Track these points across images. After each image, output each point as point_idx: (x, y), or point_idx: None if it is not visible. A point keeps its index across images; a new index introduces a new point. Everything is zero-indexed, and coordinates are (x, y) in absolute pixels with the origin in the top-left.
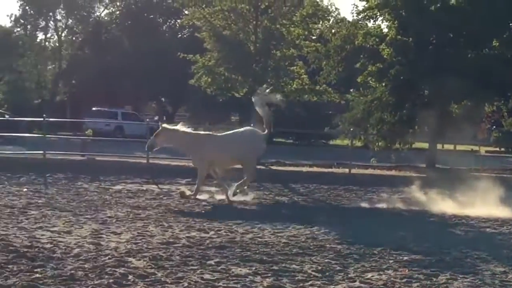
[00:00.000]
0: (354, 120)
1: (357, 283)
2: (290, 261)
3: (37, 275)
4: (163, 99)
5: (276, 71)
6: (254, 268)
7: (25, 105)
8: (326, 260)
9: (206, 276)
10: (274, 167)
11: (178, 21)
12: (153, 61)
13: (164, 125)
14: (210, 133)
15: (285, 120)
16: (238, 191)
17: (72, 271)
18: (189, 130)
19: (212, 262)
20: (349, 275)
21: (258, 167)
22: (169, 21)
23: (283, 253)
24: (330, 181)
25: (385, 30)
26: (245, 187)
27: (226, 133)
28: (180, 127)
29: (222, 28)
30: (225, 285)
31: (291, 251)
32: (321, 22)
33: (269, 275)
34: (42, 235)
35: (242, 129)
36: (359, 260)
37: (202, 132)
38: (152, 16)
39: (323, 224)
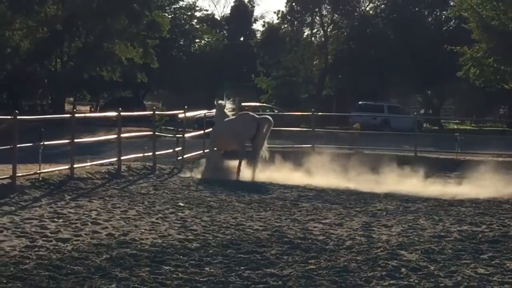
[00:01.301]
0: None
1: None
2: None
3: (312, 266)
4: (428, 92)
5: None
6: None
7: (292, 99)
8: None
9: (480, 270)
10: None
11: (444, 12)
12: (418, 53)
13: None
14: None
15: None
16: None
17: (345, 263)
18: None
19: (485, 256)
20: None
21: None
22: (434, 12)
23: None
24: None
25: None
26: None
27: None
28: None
29: (490, 19)
30: (499, 279)
31: None
32: None
33: None
34: (315, 227)
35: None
36: None
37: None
38: (417, 9)
39: None
